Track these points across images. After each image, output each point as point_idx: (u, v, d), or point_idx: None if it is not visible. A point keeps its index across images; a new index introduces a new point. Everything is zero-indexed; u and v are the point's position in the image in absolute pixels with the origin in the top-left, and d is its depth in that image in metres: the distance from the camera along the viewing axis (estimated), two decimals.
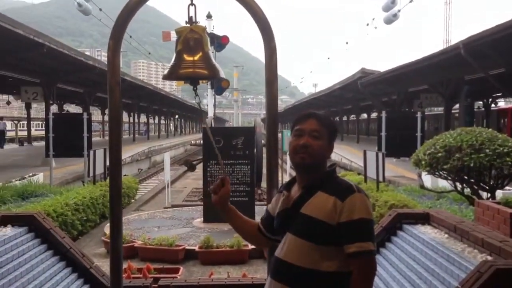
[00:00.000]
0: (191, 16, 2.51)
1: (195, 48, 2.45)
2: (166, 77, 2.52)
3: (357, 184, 2.02)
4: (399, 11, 16.73)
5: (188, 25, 2.49)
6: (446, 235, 3.88)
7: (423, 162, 6.62)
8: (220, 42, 15.31)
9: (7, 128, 34.02)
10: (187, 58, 2.45)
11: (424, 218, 4.38)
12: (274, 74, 2.67)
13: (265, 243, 2.31)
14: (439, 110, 30.43)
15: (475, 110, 24.88)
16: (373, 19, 21.97)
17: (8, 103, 35.08)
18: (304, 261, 1.88)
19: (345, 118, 49.10)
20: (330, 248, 1.86)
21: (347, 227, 1.82)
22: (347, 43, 30.80)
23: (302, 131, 1.98)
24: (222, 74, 2.56)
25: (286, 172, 13.52)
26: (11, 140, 37.75)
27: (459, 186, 6.73)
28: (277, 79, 2.64)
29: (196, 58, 2.45)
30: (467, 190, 6.78)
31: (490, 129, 6.53)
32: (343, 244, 1.83)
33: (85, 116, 11.99)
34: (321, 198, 1.90)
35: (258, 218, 2.31)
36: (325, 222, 1.85)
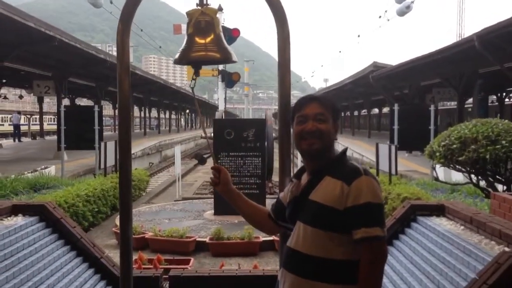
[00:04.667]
0: None
1: (207, 30, 2.37)
2: (177, 62, 2.46)
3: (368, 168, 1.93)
4: (412, 2, 16.48)
5: (199, 7, 2.43)
6: (462, 227, 3.80)
7: (437, 154, 6.51)
8: (231, 35, 15.19)
9: (20, 122, 34.33)
10: (199, 41, 2.38)
11: (439, 210, 4.30)
12: (287, 60, 2.58)
13: (274, 230, 2.27)
14: (452, 104, 30.09)
15: (489, 104, 24.58)
16: (386, 11, 21.72)
17: (21, 97, 35.33)
18: (315, 250, 1.81)
19: (356, 113, 48.76)
20: (340, 235, 1.78)
21: (354, 212, 1.74)
22: (359, 36, 30.41)
23: (305, 116, 1.89)
24: (235, 57, 2.48)
25: (297, 166, 13.45)
26: (24, 134, 38.12)
27: (474, 178, 6.61)
28: (290, 63, 2.56)
29: (207, 40, 2.37)
30: (482, 183, 6.66)
31: (506, 121, 6.39)
32: (350, 230, 1.76)
33: (96, 108, 12.03)
34: (328, 183, 1.82)
35: None
36: (333, 207, 1.77)
